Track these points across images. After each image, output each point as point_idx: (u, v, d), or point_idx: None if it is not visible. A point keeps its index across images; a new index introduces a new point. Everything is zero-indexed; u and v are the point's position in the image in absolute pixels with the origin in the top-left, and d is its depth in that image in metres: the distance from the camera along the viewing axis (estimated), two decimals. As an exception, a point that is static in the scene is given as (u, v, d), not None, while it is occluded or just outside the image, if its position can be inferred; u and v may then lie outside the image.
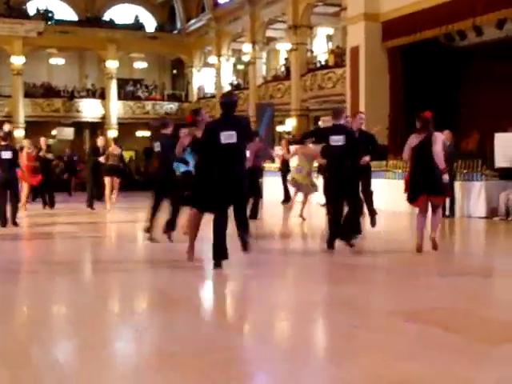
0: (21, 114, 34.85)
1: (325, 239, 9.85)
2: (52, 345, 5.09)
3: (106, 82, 36.88)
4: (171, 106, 38.17)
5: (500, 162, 15.31)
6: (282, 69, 31.72)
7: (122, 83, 37.68)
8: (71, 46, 36.32)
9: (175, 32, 38.82)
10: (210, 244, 8.15)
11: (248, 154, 14.00)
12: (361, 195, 10.73)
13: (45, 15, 36.31)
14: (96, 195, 18.88)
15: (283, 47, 32.15)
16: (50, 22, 35.82)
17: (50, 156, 19.96)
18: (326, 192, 9.97)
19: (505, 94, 18.38)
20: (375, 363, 4.46)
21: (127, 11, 39.79)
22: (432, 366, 4.34)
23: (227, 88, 34.39)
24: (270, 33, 31.74)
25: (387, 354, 4.64)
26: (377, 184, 17.07)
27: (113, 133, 35.03)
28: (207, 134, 8.16)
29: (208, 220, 8.43)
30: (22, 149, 17.96)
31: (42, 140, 20.03)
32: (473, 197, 15.46)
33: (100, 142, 19.26)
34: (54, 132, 36.01)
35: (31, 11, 36.45)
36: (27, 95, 35.68)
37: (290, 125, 29.46)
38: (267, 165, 20.98)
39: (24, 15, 35.48)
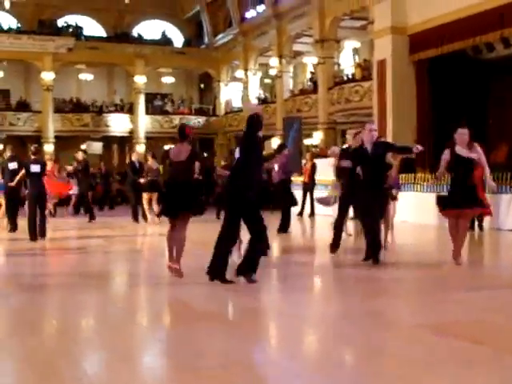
0: (50, 129, 35.22)
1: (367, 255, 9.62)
2: (80, 357, 5.12)
3: (134, 97, 37.16)
4: (199, 120, 38.32)
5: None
6: (309, 82, 31.73)
7: (149, 98, 37.94)
8: (100, 61, 36.68)
9: (203, 47, 39.04)
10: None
11: (276, 167, 14.10)
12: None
13: (74, 31, 36.76)
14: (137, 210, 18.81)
15: (310, 61, 32.19)
16: (79, 39, 36.23)
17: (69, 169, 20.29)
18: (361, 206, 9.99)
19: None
20: (403, 377, 4.44)
21: (155, 27, 40.13)
22: (460, 380, 4.32)
23: (254, 102, 34.49)
24: (296, 47, 31.79)
25: (415, 367, 4.61)
26: (405, 196, 17.07)
27: (141, 147, 35.27)
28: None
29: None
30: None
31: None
32: (502, 210, 15.33)
33: (134, 157, 19.43)
34: (83, 146, 36.29)
35: (61, 28, 36.94)
36: (57, 110, 36.05)
37: (317, 138, 29.44)
38: (294, 178, 21.05)
39: (54, 31, 35.95)
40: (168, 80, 39.56)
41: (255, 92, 35.09)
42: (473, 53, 20.19)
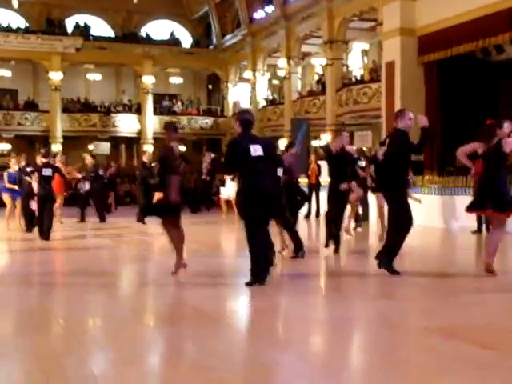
0: (58, 129, 35.27)
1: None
2: (87, 357, 5.12)
3: (142, 97, 37.18)
4: (206, 121, 38.35)
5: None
6: (317, 84, 31.69)
7: (157, 98, 37.95)
8: (108, 61, 36.71)
9: (211, 47, 39.04)
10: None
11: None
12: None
13: (83, 31, 36.82)
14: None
15: (318, 62, 32.15)
16: (87, 39, 36.29)
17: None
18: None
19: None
20: (410, 380, 4.41)
21: (163, 27, 40.13)
22: (467, 383, 4.28)
23: (262, 103, 34.50)
24: (305, 48, 31.74)
25: (422, 370, 4.58)
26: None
27: (149, 147, 35.29)
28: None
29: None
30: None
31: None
32: None
33: (146, 157, 19.48)
34: (90, 147, 36.36)
35: (69, 27, 37.01)
36: (65, 110, 36.09)
37: (325, 140, 29.41)
38: (301, 179, 21.06)
39: (62, 31, 36.03)
40: (176, 80, 39.57)
41: (263, 93, 35.07)
42: (482, 55, 20.15)
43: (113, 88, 39.54)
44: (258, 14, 33.29)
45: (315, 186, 20.61)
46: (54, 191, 15.05)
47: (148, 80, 36.61)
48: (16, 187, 16.09)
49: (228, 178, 20.19)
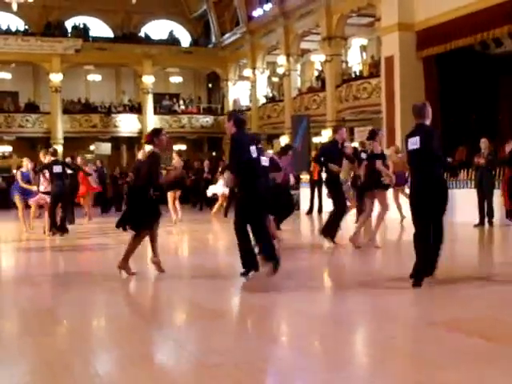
0: (59, 130, 35.31)
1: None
2: (92, 357, 5.15)
3: (143, 97, 37.22)
4: (207, 120, 38.39)
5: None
6: (317, 80, 31.69)
7: (158, 98, 37.98)
8: (108, 62, 36.73)
9: (210, 46, 39.03)
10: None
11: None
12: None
13: (82, 33, 36.84)
14: None
15: (318, 59, 32.15)
16: (87, 40, 36.32)
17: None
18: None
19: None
20: (414, 373, 4.45)
21: (162, 27, 40.14)
22: (470, 376, 4.31)
23: (262, 100, 34.50)
24: (304, 45, 31.74)
25: (426, 363, 4.61)
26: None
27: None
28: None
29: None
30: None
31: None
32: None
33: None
34: (91, 147, 36.41)
35: (69, 29, 37.03)
36: (65, 111, 36.14)
37: (325, 136, 29.41)
38: (303, 176, 21.10)
39: (62, 33, 36.05)
40: (176, 80, 39.62)
41: (263, 90, 35.08)
42: (481, 48, 20.15)
43: (113, 88, 39.57)
44: (257, 12, 33.30)
45: (317, 182, 20.61)
46: (67, 188, 15.25)
47: (148, 80, 36.65)
48: (33, 187, 15.74)
49: (221, 177, 20.12)
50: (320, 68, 32.38)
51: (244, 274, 8.35)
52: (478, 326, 5.66)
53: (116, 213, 22.92)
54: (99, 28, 39.03)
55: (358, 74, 28.17)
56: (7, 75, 36.21)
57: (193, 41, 40.08)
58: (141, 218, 8.71)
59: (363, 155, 11.94)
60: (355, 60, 30.78)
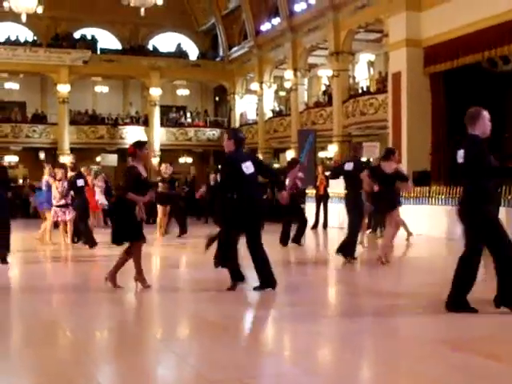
0: (66, 141, 35.40)
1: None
2: (94, 368, 5.13)
3: (150, 109, 37.33)
4: (213, 133, 38.46)
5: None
6: (324, 95, 31.75)
7: (165, 110, 38.10)
8: (115, 74, 36.89)
9: (218, 59, 39.15)
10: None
11: (287, 181, 14.18)
12: None
13: (90, 44, 36.99)
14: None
15: (325, 73, 32.23)
16: (95, 51, 36.47)
17: None
18: None
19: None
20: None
21: (170, 39, 40.31)
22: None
23: (269, 114, 34.56)
24: (311, 59, 31.83)
25: (427, 382, 4.58)
26: (419, 210, 17.02)
27: (156, 159, 35.39)
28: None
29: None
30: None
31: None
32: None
33: (164, 169, 19.20)
34: (98, 158, 36.48)
35: (77, 40, 37.19)
36: (72, 122, 36.26)
37: (332, 151, 29.44)
38: (309, 190, 21.08)
39: (70, 44, 36.21)
40: (183, 92, 39.72)
41: (270, 104, 35.14)
42: (488, 65, 20.13)
43: (120, 100, 39.71)
44: (265, 26, 33.40)
45: (323, 197, 20.62)
46: (87, 201, 15.44)
47: (155, 92, 36.76)
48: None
49: None
50: (327, 83, 32.47)
51: (259, 288, 8.33)
52: (482, 345, 5.61)
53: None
54: (107, 40, 39.22)
55: (365, 89, 28.22)
56: (15, 85, 36.39)
57: (200, 54, 40.21)
58: (121, 230, 8.71)
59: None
60: (362, 75, 30.85)
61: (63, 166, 15.67)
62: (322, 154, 32.17)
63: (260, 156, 33.92)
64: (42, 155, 16.56)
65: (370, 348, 5.83)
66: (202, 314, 7.27)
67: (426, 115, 20.49)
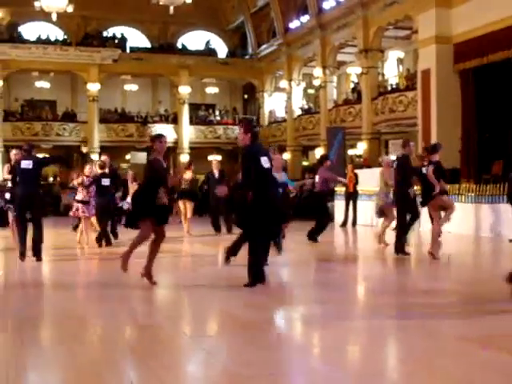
0: (96, 139, 35.69)
1: None
2: (125, 366, 5.18)
3: (179, 107, 37.49)
4: (242, 131, 38.46)
5: None
6: (353, 92, 31.66)
7: (194, 108, 38.24)
8: (145, 72, 37.11)
9: (246, 57, 39.21)
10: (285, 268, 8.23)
11: (317, 178, 14.19)
12: None
13: (120, 43, 37.25)
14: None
15: (354, 71, 32.14)
16: (124, 50, 36.71)
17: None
18: None
19: None
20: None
21: (199, 38, 40.46)
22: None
23: (298, 112, 34.54)
24: (340, 57, 31.78)
25: (456, 380, 4.58)
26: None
27: (185, 157, 35.54)
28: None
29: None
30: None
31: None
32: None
33: (215, 167, 19.00)
34: (127, 156, 36.69)
35: (107, 39, 37.45)
36: (102, 121, 36.54)
37: (361, 148, 29.36)
38: (338, 188, 21.05)
39: (100, 43, 36.49)
40: (212, 90, 39.83)
41: (299, 102, 35.12)
42: (518, 61, 19.97)
43: (149, 98, 39.92)
44: (294, 24, 33.38)
45: (352, 195, 20.58)
46: (112, 201, 15.24)
47: (184, 90, 36.90)
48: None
49: None
50: (356, 80, 32.38)
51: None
52: (510, 343, 5.59)
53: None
54: (137, 38, 39.44)
55: (394, 86, 28.10)
56: (46, 84, 36.75)
57: (229, 52, 40.30)
58: (138, 212, 8.90)
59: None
60: (391, 73, 30.72)
61: (92, 163, 15.77)
62: (350, 152, 32.08)
63: (289, 154, 33.94)
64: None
65: (401, 345, 5.83)
66: (231, 310, 7.31)
67: (455, 112, 20.37)
